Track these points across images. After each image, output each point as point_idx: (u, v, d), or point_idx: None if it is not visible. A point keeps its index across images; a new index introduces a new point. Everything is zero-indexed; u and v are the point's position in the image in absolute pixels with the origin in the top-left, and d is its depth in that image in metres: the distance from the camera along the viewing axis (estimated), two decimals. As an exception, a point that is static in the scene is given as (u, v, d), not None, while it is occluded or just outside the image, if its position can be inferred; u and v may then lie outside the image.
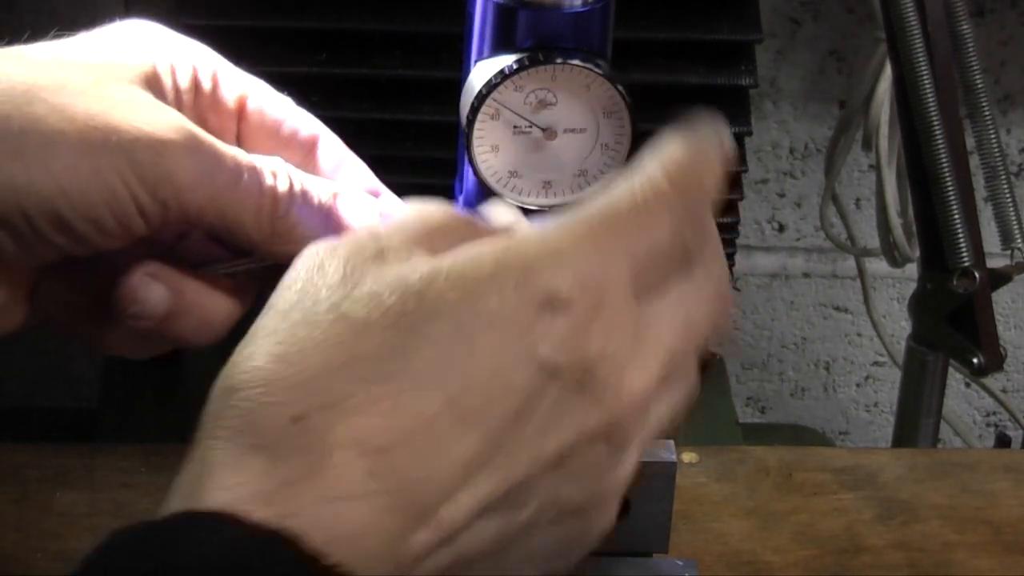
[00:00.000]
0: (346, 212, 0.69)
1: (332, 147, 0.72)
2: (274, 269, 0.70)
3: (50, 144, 0.61)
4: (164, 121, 0.64)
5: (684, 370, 0.59)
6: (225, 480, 0.51)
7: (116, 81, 0.64)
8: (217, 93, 0.70)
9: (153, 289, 0.66)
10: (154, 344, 0.69)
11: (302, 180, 0.68)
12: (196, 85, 0.70)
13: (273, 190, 0.66)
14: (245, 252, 0.68)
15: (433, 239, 0.57)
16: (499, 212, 0.64)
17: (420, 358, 0.52)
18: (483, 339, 0.52)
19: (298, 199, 0.67)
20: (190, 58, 0.70)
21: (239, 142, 0.71)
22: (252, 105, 0.71)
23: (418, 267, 0.54)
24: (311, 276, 0.55)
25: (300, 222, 0.67)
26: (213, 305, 0.68)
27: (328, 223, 0.69)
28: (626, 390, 0.55)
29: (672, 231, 0.57)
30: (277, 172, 0.67)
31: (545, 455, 0.54)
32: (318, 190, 0.69)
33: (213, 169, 0.65)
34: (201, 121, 0.68)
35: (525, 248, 0.54)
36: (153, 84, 0.67)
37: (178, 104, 0.68)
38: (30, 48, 0.65)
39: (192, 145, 0.64)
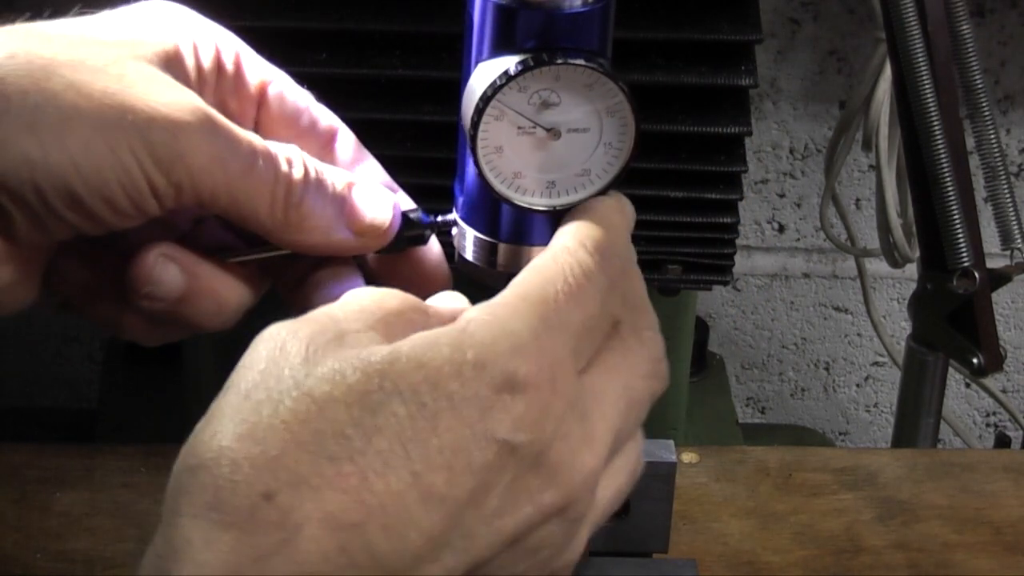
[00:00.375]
0: (361, 203, 0.69)
1: (349, 141, 0.72)
2: (287, 259, 0.70)
3: (65, 119, 0.61)
4: (181, 102, 0.63)
5: (630, 445, 0.62)
6: (196, 556, 0.52)
7: (135, 60, 0.64)
8: (239, 77, 0.70)
9: (169, 270, 0.66)
10: (167, 330, 0.69)
11: (317, 168, 0.68)
12: (218, 67, 0.69)
13: (288, 177, 0.66)
14: (258, 241, 0.68)
15: (389, 324, 0.58)
16: (447, 298, 0.65)
17: (385, 436, 0.53)
18: (445, 419, 0.54)
19: (312, 187, 0.67)
20: (213, 39, 0.69)
21: (258, 128, 0.71)
22: (273, 92, 0.71)
23: (378, 350, 0.55)
24: (273, 356, 0.56)
25: (314, 211, 0.67)
26: (227, 290, 0.68)
27: (342, 213, 0.69)
28: (579, 468, 0.57)
29: (601, 305, 0.60)
30: (292, 159, 0.67)
31: (504, 532, 0.55)
32: (333, 179, 0.69)
33: (228, 153, 0.64)
34: (221, 104, 0.68)
35: (480, 332, 0.56)
36: (174, 64, 0.66)
37: (199, 85, 0.68)
38: (51, 24, 0.65)
39: (207, 127, 0.64)
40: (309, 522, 0.52)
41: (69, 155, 0.61)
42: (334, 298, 0.62)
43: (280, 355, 0.55)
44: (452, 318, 0.59)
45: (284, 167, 0.67)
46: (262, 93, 0.71)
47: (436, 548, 0.53)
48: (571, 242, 0.62)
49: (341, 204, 0.68)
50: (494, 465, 0.54)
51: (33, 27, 0.64)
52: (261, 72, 0.71)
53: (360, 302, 0.59)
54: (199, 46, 0.68)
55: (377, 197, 0.70)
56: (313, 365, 0.55)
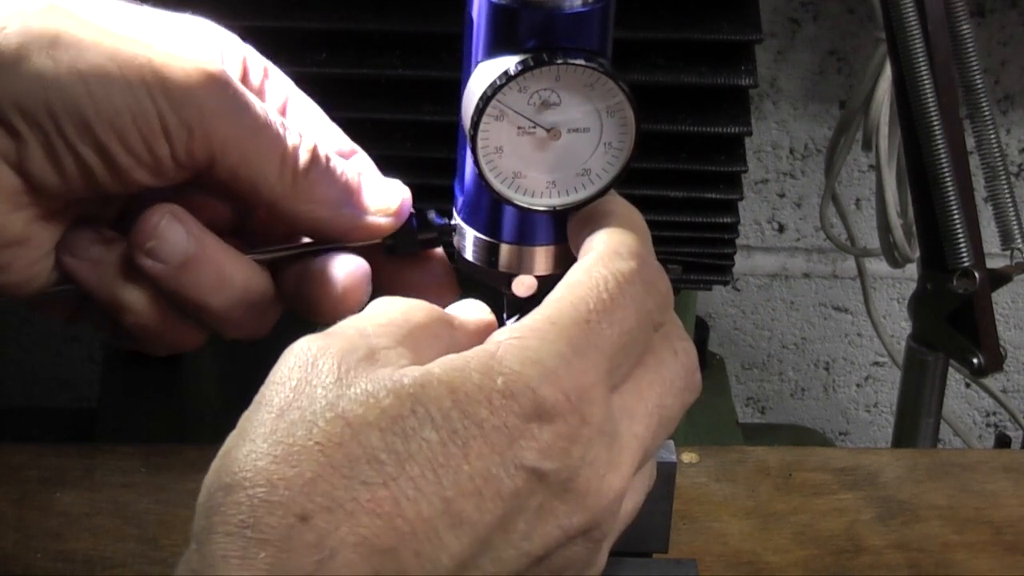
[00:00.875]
0: (370, 185, 0.69)
1: (367, 166, 0.73)
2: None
3: (82, 47, 0.62)
4: (200, 56, 0.65)
5: (653, 458, 0.64)
6: (232, 572, 0.52)
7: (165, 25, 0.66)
8: (263, 89, 0.71)
9: (175, 230, 0.66)
10: (171, 323, 0.69)
11: (327, 151, 0.69)
12: (245, 76, 0.70)
13: (298, 147, 0.67)
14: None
15: (417, 339, 0.59)
16: (469, 308, 0.66)
17: (417, 462, 0.54)
18: (475, 446, 0.55)
19: (322, 163, 0.68)
20: (241, 51, 0.71)
21: None
22: (292, 109, 0.72)
23: (410, 372, 0.56)
24: (304, 374, 0.56)
25: (321, 184, 0.68)
26: (232, 265, 0.68)
27: (350, 191, 0.69)
28: (605, 491, 0.58)
29: (638, 316, 0.60)
30: (304, 135, 0.68)
31: (532, 554, 0.56)
32: (343, 164, 0.69)
33: (242, 108, 0.65)
34: None
35: (508, 358, 0.56)
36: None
37: None
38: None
39: (224, 82, 0.65)
40: (344, 546, 0.52)
41: (82, 77, 0.62)
42: (340, 292, 0.63)
43: (312, 373, 0.56)
44: (476, 331, 0.60)
45: (295, 139, 0.67)
46: (283, 110, 0.72)
47: (465, 571, 0.54)
48: (605, 250, 0.61)
49: (347, 188, 0.69)
50: (522, 491, 0.55)
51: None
52: (284, 88, 0.72)
53: (388, 315, 0.60)
54: (226, 56, 0.70)
55: (387, 183, 0.70)
56: (346, 386, 0.55)
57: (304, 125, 0.71)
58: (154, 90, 0.63)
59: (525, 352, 0.57)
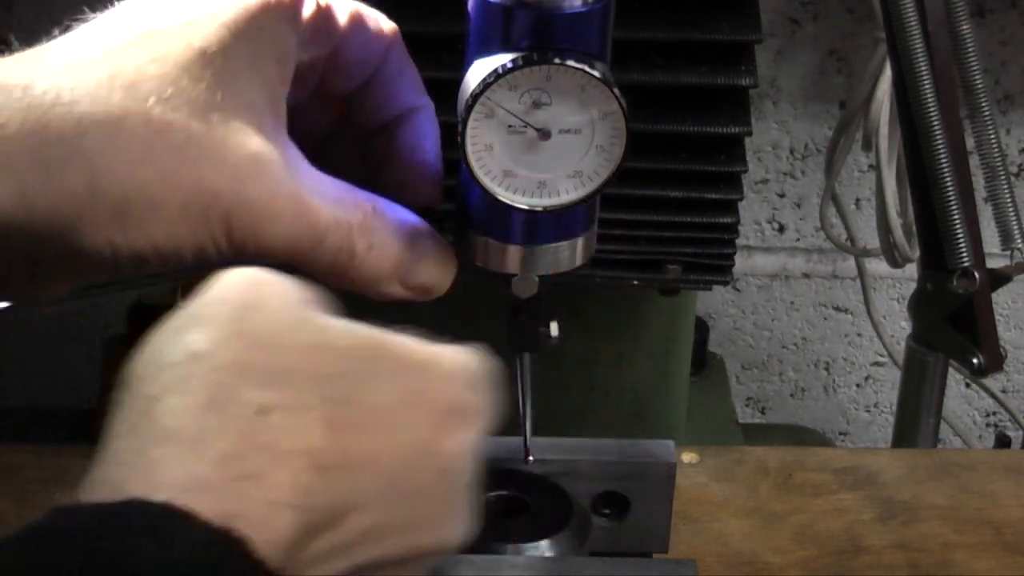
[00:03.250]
0: (419, 264, 0.69)
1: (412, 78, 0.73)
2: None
3: (154, 211, 0.61)
4: (266, 188, 0.63)
5: None
6: (177, 469, 0.52)
7: (230, 117, 0.63)
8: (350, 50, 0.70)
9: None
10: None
11: (384, 225, 0.68)
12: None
13: (351, 249, 0.66)
14: None
15: None
16: None
17: (376, 402, 0.55)
18: (419, 412, 0.57)
19: (375, 251, 0.67)
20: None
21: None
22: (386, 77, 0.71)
23: (375, 329, 0.57)
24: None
25: (371, 272, 0.67)
26: None
27: (397, 273, 0.68)
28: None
29: None
30: (360, 224, 0.67)
31: (429, 540, 0.58)
32: (398, 238, 0.68)
33: (301, 234, 0.64)
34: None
35: (446, 357, 0.59)
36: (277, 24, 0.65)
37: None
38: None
39: (288, 211, 0.64)
40: (294, 455, 0.53)
41: (152, 244, 0.62)
42: None
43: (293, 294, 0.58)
44: None
45: (351, 239, 0.66)
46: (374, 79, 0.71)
47: (375, 522, 0.56)
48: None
49: (398, 264, 0.68)
50: (433, 473, 0.58)
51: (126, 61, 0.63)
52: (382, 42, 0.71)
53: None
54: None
55: (438, 258, 0.69)
56: (323, 315, 0.57)
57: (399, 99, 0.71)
58: (219, 239, 0.63)
59: (458, 359, 0.60)
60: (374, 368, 0.56)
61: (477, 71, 0.65)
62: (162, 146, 0.61)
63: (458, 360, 0.59)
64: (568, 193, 0.67)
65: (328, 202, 0.65)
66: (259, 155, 0.63)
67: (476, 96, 0.64)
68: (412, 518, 0.57)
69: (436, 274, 0.69)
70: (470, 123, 0.65)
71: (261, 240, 0.63)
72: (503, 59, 0.64)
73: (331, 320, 0.57)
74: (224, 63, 0.63)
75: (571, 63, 0.64)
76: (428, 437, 0.57)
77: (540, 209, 0.67)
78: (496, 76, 0.64)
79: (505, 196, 0.66)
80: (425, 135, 0.70)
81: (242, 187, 0.63)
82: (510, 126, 0.65)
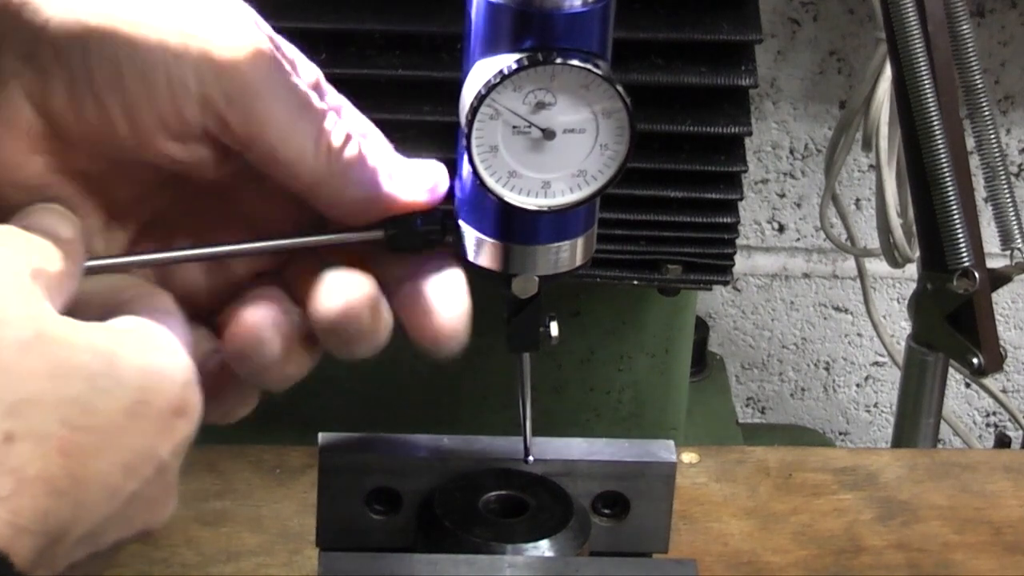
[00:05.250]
0: (404, 170, 0.69)
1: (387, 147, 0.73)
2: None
3: (128, 4, 0.63)
4: (248, 30, 0.65)
5: None
6: None
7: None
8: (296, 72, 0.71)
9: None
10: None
11: (362, 134, 0.69)
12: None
13: (332, 129, 0.67)
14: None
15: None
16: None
17: (107, 421, 0.57)
18: (145, 420, 0.58)
19: (356, 143, 0.67)
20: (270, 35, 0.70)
21: None
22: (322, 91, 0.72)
23: (101, 330, 0.59)
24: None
25: (357, 164, 0.67)
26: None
27: (384, 176, 0.68)
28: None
29: None
30: (337, 116, 0.68)
31: (138, 527, 0.60)
32: (375, 144, 0.69)
33: (286, 86, 0.65)
34: None
35: (168, 356, 0.60)
36: None
37: None
38: None
39: (271, 56, 0.65)
40: (36, 480, 0.55)
41: (121, 28, 0.63)
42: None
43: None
44: None
45: (332, 120, 0.67)
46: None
47: (96, 533, 0.58)
48: None
49: (383, 161, 0.68)
50: (153, 474, 0.60)
51: None
52: (313, 73, 0.71)
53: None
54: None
55: (419, 161, 0.69)
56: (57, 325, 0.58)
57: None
58: (197, 56, 0.63)
59: (175, 358, 0.60)
60: (106, 384, 0.57)
61: (480, 72, 0.65)
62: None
63: (178, 359, 0.60)
64: (572, 192, 0.67)
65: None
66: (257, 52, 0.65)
67: (481, 98, 0.64)
68: (130, 513, 0.59)
69: (428, 171, 0.69)
70: (476, 125, 0.65)
71: (248, 90, 0.64)
72: (506, 60, 0.64)
73: (61, 327, 0.57)
74: None
75: (576, 62, 0.64)
76: (153, 442, 0.58)
77: (546, 209, 0.67)
78: (501, 77, 0.64)
79: (510, 197, 0.66)
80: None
81: (223, 28, 0.65)
82: (515, 127, 0.65)
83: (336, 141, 0.67)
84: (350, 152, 0.67)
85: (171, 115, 0.64)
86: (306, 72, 0.70)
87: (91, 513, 0.57)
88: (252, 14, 0.68)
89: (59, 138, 0.65)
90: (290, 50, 0.70)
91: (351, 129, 0.68)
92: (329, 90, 0.71)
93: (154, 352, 0.59)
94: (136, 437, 0.57)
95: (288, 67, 0.66)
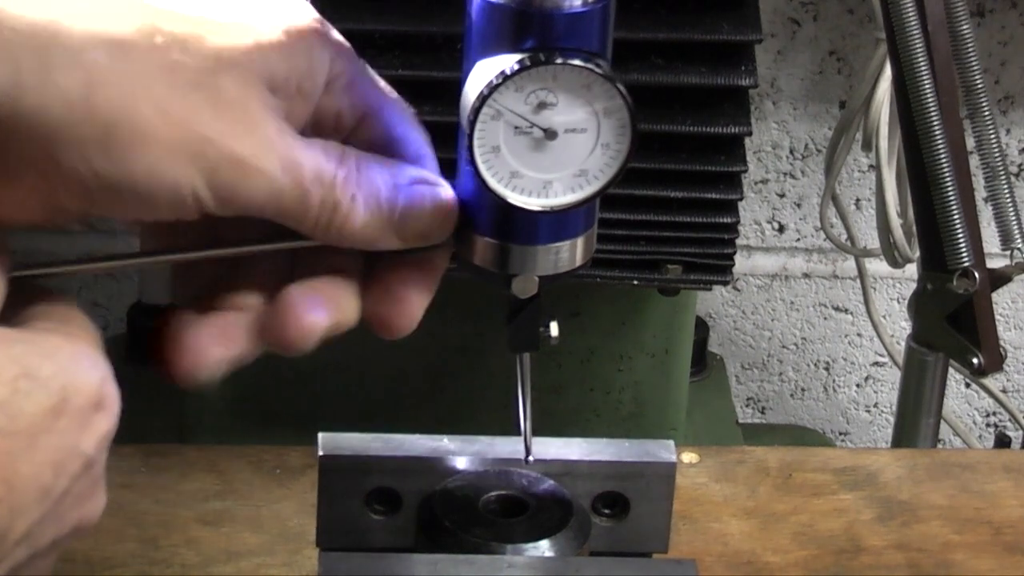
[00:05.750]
0: (413, 211, 0.68)
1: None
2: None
3: (141, 142, 0.61)
4: (258, 144, 0.63)
5: None
6: None
7: (239, 76, 0.64)
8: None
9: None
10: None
11: (368, 181, 0.68)
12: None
13: (336, 199, 0.66)
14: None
15: None
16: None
17: (31, 423, 0.58)
18: (67, 418, 0.59)
19: (360, 203, 0.67)
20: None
21: None
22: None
23: (21, 335, 0.60)
24: None
25: (358, 227, 0.67)
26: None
27: (390, 224, 0.68)
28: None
29: None
30: (340, 180, 0.67)
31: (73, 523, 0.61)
32: (385, 185, 0.68)
33: (286, 189, 0.64)
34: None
35: (83, 353, 0.61)
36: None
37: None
38: None
39: (275, 166, 0.64)
40: None
41: (131, 176, 0.62)
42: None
43: None
44: None
45: (334, 192, 0.66)
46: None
47: (30, 534, 0.59)
48: None
49: (388, 214, 0.68)
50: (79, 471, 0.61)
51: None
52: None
53: None
54: None
55: (435, 204, 0.68)
56: None
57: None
58: (200, 186, 0.63)
59: (85, 341, 0.62)
60: (27, 387, 0.58)
61: (481, 72, 0.65)
62: (165, 81, 0.61)
63: (94, 356, 0.61)
64: (574, 192, 0.67)
65: (314, 156, 0.65)
66: (257, 113, 0.63)
67: (484, 98, 0.64)
68: (63, 511, 0.60)
69: (432, 221, 0.68)
70: (478, 125, 0.65)
71: (244, 192, 0.63)
72: (507, 60, 0.64)
73: None
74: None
75: (578, 62, 0.64)
76: (77, 439, 0.59)
77: (548, 209, 0.67)
78: (504, 77, 0.64)
79: (512, 197, 0.66)
80: (395, 127, 0.69)
81: (235, 139, 0.63)
82: (516, 127, 0.65)
83: (336, 213, 0.66)
84: (351, 221, 0.67)
85: (167, 210, 0.63)
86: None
87: (26, 515, 0.58)
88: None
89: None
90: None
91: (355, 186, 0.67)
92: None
93: (70, 351, 0.60)
94: (60, 436, 0.58)
95: (298, 156, 0.65)
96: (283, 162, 0.64)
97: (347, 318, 0.68)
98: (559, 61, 0.64)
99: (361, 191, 0.67)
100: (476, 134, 0.65)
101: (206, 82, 0.62)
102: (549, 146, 0.66)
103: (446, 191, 0.69)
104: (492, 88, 0.64)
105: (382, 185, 0.67)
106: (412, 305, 0.69)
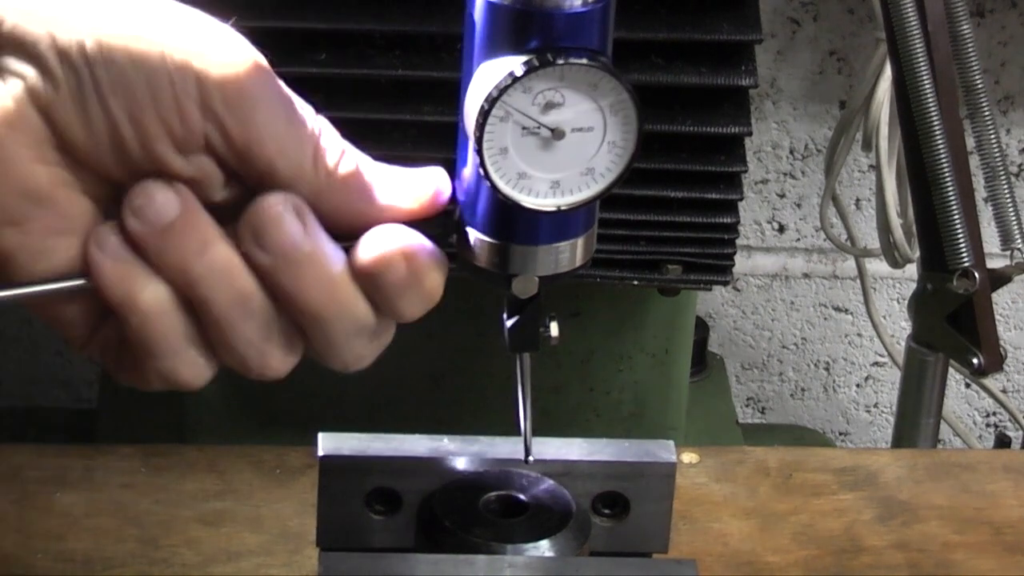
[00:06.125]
0: (402, 181, 0.69)
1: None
2: None
3: (132, 14, 0.64)
4: (243, 53, 0.65)
5: None
6: None
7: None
8: None
9: (165, 192, 0.65)
10: (179, 340, 0.68)
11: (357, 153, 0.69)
12: None
13: (330, 146, 0.67)
14: None
15: None
16: None
17: None
18: None
19: (353, 158, 0.68)
20: None
21: None
22: None
23: None
24: None
25: (352, 180, 0.67)
26: (217, 244, 0.66)
27: (372, 200, 0.68)
28: None
29: None
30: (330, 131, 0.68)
31: None
32: (369, 160, 0.69)
33: (283, 100, 0.66)
34: None
35: None
36: None
37: None
38: None
39: (268, 71, 0.65)
40: None
41: (127, 35, 0.63)
42: None
43: None
44: None
45: (328, 133, 0.67)
46: None
47: None
48: None
49: (381, 174, 0.68)
50: None
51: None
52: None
53: None
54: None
55: (419, 171, 0.69)
56: None
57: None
58: (197, 66, 0.63)
59: None
60: None
61: (486, 75, 0.65)
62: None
63: None
64: (582, 191, 0.67)
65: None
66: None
67: (492, 100, 0.64)
68: None
69: (427, 180, 0.69)
70: (487, 128, 0.65)
71: (246, 100, 0.64)
72: (512, 61, 0.64)
73: None
74: None
75: (585, 61, 0.64)
76: None
77: (555, 209, 0.67)
78: (513, 79, 0.64)
79: (520, 198, 0.66)
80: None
81: (222, 41, 0.65)
82: (524, 128, 0.65)
83: (332, 156, 0.67)
84: (346, 166, 0.67)
85: (175, 122, 0.64)
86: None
87: None
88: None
89: (65, 151, 0.65)
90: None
91: (345, 145, 0.68)
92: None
93: None
94: None
95: (283, 86, 0.67)
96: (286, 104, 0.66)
97: None
98: (567, 61, 0.64)
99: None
100: (485, 136, 0.65)
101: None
102: (556, 146, 0.66)
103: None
104: (501, 90, 0.64)
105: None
106: None
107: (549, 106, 0.65)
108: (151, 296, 0.66)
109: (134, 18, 0.64)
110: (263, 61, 0.66)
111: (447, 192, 0.70)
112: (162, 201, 0.65)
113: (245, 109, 0.65)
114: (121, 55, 0.63)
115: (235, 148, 0.65)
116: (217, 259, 0.66)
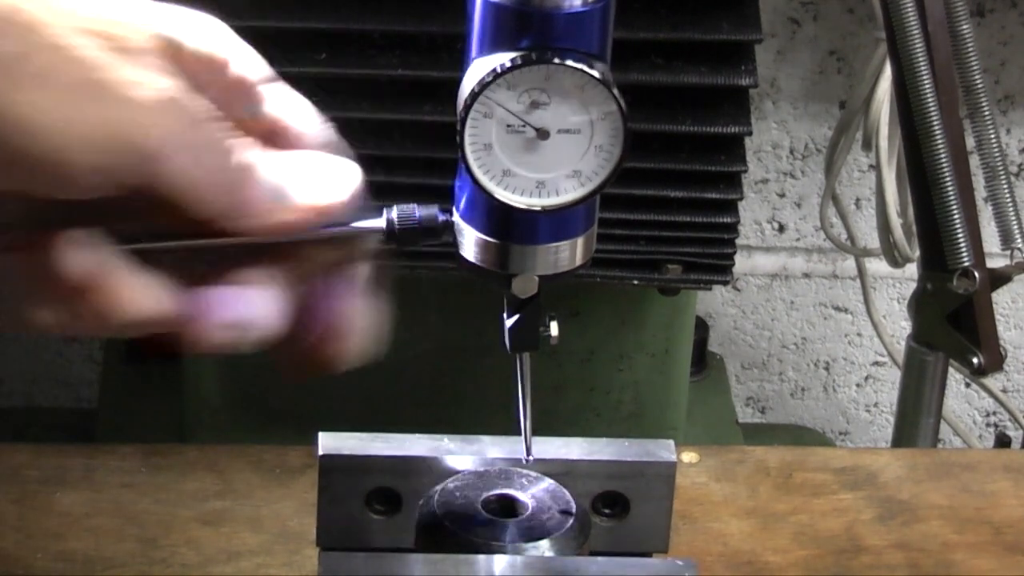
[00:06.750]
0: (306, 183, 0.66)
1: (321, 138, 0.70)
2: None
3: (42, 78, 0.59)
4: (159, 87, 0.61)
5: None
6: None
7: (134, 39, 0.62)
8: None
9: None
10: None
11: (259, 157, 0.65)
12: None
13: (235, 164, 0.63)
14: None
15: None
16: None
17: None
18: None
19: (258, 172, 0.64)
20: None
21: None
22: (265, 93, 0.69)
23: None
24: None
25: (253, 196, 0.63)
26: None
27: (284, 207, 0.65)
28: None
29: None
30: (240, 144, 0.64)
31: None
32: (284, 160, 0.65)
33: (193, 139, 0.62)
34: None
35: None
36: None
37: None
38: None
39: (179, 113, 0.61)
40: None
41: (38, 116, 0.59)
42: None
43: None
44: None
45: (234, 156, 0.64)
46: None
47: None
48: None
49: (287, 181, 0.65)
50: None
51: None
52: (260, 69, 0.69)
53: None
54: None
55: (334, 170, 0.66)
56: None
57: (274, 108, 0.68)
58: (109, 118, 0.60)
59: None
60: None
61: (475, 70, 0.65)
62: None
63: None
64: (567, 193, 0.67)
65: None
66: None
67: (475, 95, 0.64)
68: None
69: (330, 189, 0.66)
70: (469, 122, 0.65)
71: (150, 134, 0.61)
72: (502, 59, 0.64)
73: None
74: None
75: (570, 63, 0.64)
76: None
77: (539, 209, 0.67)
78: (495, 75, 0.64)
79: (504, 196, 0.66)
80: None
81: (137, 85, 0.61)
82: (509, 125, 0.65)
83: (233, 178, 0.63)
84: (247, 188, 0.64)
85: (78, 149, 0.60)
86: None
87: None
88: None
89: None
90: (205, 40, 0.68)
91: (248, 149, 0.65)
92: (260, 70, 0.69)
93: None
94: None
95: (197, 109, 0.63)
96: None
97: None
98: (551, 61, 0.64)
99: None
100: (467, 131, 0.65)
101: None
102: (542, 146, 0.66)
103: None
104: (484, 85, 0.64)
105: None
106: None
107: (534, 105, 0.65)
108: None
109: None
110: (175, 92, 0.62)
111: (356, 183, 0.67)
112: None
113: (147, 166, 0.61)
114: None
115: (134, 165, 0.62)
116: None
